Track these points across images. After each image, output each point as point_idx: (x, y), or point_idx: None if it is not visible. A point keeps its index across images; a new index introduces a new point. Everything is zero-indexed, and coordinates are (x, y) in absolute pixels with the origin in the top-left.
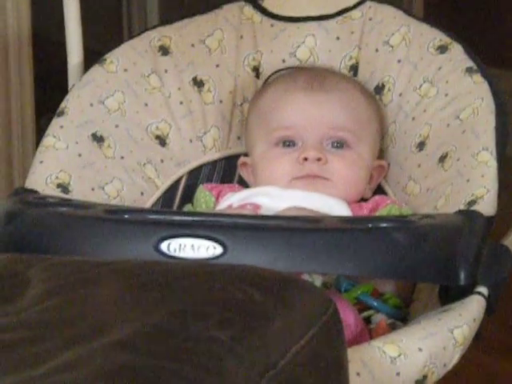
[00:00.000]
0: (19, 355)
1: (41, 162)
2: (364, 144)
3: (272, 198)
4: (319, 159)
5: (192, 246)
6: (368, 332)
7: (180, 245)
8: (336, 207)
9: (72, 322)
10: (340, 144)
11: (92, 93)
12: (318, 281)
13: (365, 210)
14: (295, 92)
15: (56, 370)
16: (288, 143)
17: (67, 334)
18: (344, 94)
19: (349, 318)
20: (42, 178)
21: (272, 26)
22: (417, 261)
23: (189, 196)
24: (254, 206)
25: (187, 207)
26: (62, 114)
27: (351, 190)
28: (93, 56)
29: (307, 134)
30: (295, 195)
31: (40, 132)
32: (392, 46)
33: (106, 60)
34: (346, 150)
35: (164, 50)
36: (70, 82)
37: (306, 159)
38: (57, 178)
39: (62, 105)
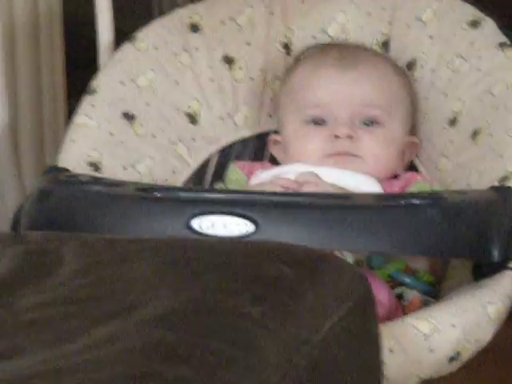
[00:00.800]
0: (55, 331)
1: (72, 140)
2: (395, 121)
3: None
4: (350, 136)
5: (224, 223)
6: (401, 309)
7: (212, 222)
8: (367, 184)
9: (106, 299)
10: (371, 121)
11: (123, 71)
12: (349, 258)
13: (396, 187)
14: (325, 69)
15: (92, 345)
16: (319, 121)
17: (102, 310)
18: (375, 70)
19: (382, 294)
20: (74, 156)
21: (303, 2)
22: (450, 237)
23: (220, 174)
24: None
25: (219, 185)
26: (93, 92)
27: (383, 168)
28: (123, 36)
29: (338, 111)
30: (326, 172)
31: (71, 111)
32: (424, 22)
33: (136, 38)
34: (378, 128)
35: (194, 28)
36: (101, 62)
37: (337, 136)
38: (88, 156)
39: (94, 83)
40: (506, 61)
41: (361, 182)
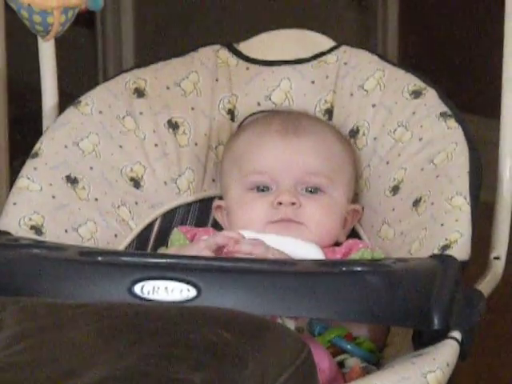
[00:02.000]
0: None
1: (14, 203)
2: (338, 188)
3: None
4: (293, 203)
5: (166, 288)
6: (342, 376)
7: (153, 287)
8: (310, 251)
9: (45, 365)
10: (314, 189)
11: (66, 135)
12: (291, 324)
13: (338, 254)
14: (269, 136)
15: None
16: (262, 188)
17: (40, 376)
18: (318, 138)
19: (323, 362)
20: (15, 219)
21: (247, 69)
22: (390, 305)
23: (163, 238)
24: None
25: (162, 250)
26: (36, 155)
27: (325, 235)
28: (68, 99)
29: (281, 178)
30: (269, 239)
31: (14, 175)
32: (367, 91)
33: (80, 102)
34: (321, 195)
35: (139, 93)
36: (45, 125)
37: (280, 203)
38: (30, 219)
39: (36, 146)
40: (446, 131)
41: (303, 249)
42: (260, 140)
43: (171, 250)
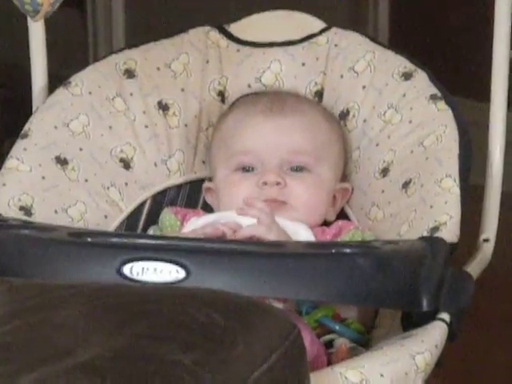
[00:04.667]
0: None
1: (3, 184)
2: (325, 166)
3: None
4: (278, 183)
5: (155, 269)
6: (326, 355)
7: (143, 268)
8: (298, 231)
9: (35, 345)
10: (299, 168)
11: (56, 115)
12: (278, 304)
13: (328, 235)
14: (254, 116)
15: None
16: (247, 168)
17: (30, 356)
18: (304, 117)
19: (305, 340)
20: (5, 200)
21: (238, 51)
22: (379, 287)
23: (153, 220)
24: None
25: (152, 229)
26: (25, 136)
27: (312, 213)
28: (58, 81)
29: (266, 158)
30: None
31: (3, 156)
32: (357, 73)
33: (70, 83)
34: (306, 173)
35: (129, 73)
36: (35, 106)
37: (265, 183)
38: (19, 200)
39: (26, 127)
40: (436, 113)
41: (291, 229)
42: (245, 120)
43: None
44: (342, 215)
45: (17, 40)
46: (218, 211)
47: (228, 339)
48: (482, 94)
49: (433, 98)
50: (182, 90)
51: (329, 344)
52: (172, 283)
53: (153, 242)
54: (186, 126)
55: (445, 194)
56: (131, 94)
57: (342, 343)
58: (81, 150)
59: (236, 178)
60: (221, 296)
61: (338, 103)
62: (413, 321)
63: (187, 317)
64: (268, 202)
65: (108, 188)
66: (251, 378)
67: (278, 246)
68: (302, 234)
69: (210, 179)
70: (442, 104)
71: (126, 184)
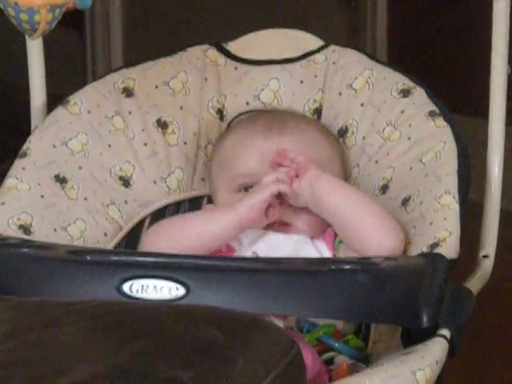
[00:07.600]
0: None
1: (2, 203)
2: None
3: (242, 242)
4: (281, 204)
5: (155, 287)
6: (328, 373)
7: (142, 286)
8: (301, 247)
9: (35, 363)
10: None
11: (55, 134)
12: (279, 324)
13: (328, 237)
14: (254, 137)
15: None
16: (249, 189)
17: (30, 374)
18: (303, 135)
19: (306, 358)
20: (4, 219)
21: (236, 68)
22: (379, 303)
23: None
24: (228, 249)
25: None
26: (24, 155)
27: (315, 232)
28: (57, 100)
29: None
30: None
31: (1, 177)
32: (355, 90)
33: (69, 101)
34: None
35: (128, 92)
36: (33, 125)
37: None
38: (19, 219)
39: (25, 146)
40: (435, 129)
41: (294, 245)
42: (245, 141)
43: (208, 208)
44: None
45: (15, 59)
46: None
47: (228, 356)
48: (480, 110)
49: (431, 114)
50: (181, 107)
51: (329, 361)
52: (172, 300)
53: (152, 259)
54: (185, 143)
55: (444, 210)
56: (130, 113)
57: (342, 361)
58: (80, 168)
59: (238, 199)
60: (221, 313)
61: (337, 120)
62: (413, 337)
63: (187, 334)
64: (271, 225)
65: (107, 206)
66: None
67: (278, 263)
68: (304, 247)
69: (210, 197)
70: (440, 120)
71: (126, 202)
